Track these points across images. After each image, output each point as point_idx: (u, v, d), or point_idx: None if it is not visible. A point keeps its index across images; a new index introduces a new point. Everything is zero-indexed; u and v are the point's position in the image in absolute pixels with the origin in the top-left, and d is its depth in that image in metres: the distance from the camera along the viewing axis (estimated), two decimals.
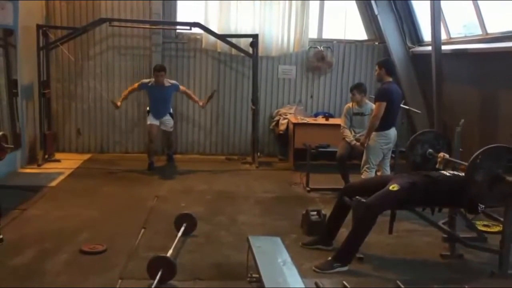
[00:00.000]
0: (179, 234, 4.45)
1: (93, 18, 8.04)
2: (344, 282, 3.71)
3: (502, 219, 4.14)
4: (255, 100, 8.24)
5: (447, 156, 4.64)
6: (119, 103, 7.50)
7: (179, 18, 8.74)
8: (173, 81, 7.80)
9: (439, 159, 4.64)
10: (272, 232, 4.75)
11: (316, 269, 4.03)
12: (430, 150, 4.82)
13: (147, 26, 8.31)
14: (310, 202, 6.05)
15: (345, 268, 4.02)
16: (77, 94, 8.56)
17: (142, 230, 4.88)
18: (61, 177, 6.89)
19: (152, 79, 7.55)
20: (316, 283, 3.66)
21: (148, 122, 7.66)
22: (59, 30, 8.05)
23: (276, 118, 8.66)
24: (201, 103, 7.72)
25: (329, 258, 4.09)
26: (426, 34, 8.48)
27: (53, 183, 6.57)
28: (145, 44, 8.51)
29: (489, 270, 4.05)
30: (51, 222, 5.03)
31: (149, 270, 3.63)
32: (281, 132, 8.37)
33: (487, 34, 6.93)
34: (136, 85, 7.67)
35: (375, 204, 3.99)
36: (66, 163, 7.73)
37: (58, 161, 7.86)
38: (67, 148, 8.65)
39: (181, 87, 7.82)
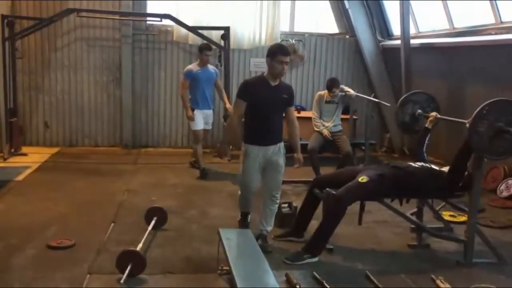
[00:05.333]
0: (150, 228, 4.41)
1: (60, 8, 7.86)
2: (314, 273, 3.75)
3: (467, 209, 4.25)
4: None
5: (439, 115, 4.72)
6: (190, 113, 6.72)
7: (150, 10, 8.62)
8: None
9: (430, 118, 4.70)
10: None
11: (287, 260, 4.05)
12: (420, 111, 4.90)
13: (117, 17, 8.17)
14: (282, 194, 6.05)
15: (315, 259, 4.06)
16: (45, 86, 8.37)
17: (112, 224, 4.81)
18: (28, 171, 6.74)
19: (195, 64, 6.90)
20: (286, 275, 3.68)
21: (198, 128, 6.81)
22: (25, 21, 7.85)
23: None
24: (228, 106, 7.01)
25: (300, 249, 4.13)
26: (396, 28, 8.60)
27: (20, 177, 6.42)
28: (115, 35, 8.38)
29: (455, 259, 4.16)
30: (17, 217, 4.91)
31: (118, 265, 3.58)
32: None
33: (453, 28, 7.08)
34: (183, 80, 6.83)
35: (344, 196, 4.04)
36: (33, 157, 7.56)
37: (25, 154, 7.69)
38: (34, 142, 8.46)
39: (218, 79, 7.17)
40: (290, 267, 3.91)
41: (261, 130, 4.28)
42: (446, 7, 7.10)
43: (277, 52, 4.14)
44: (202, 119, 6.84)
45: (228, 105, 7.00)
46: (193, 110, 6.76)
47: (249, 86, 4.27)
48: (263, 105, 4.22)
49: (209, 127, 7.15)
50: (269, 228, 4.41)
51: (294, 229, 4.59)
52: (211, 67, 6.98)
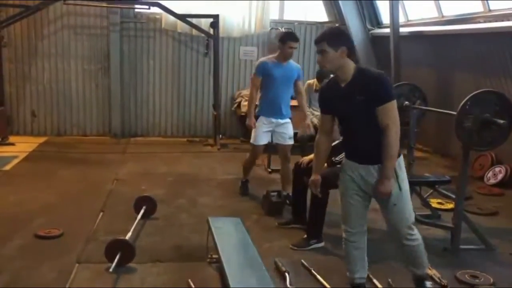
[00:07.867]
0: (139, 217, 4.40)
1: None
2: (303, 261, 3.77)
3: (454, 196, 4.28)
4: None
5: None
6: (251, 120, 5.17)
7: None
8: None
9: None
10: (233, 213, 4.75)
11: (294, 247, 4.09)
12: (406, 102, 4.87)
13: (104, 4, 8.05)
14: (271, 183, 6.09)
15: (322, 244, 4.11)
16: (31, 75, 8.27)
17: (101, 213, 4.79)
18: (16, 161, 6.68)
19: (271, 57, 5.16)
20: (275, 262, 3.70)
21: (258, 142, 5.20)
22: (11, 8, 7.72)
23: (238, 100, 8.63)
24: (307, 122, 5.31)
25: (305, 236, 4.17)
26: (385, 16, 8.59)
27: (7, 167, 6.36)
28: (102, 23, 8.28)
29: (442, 245, 4.20)
30: (4, 207, 4.87)
31: (107, 254, 3.58)
32: (243, 113, 8.34)
33: (442, 16, 7.09)
34: (253, 76, 5.27)
35: (324, 180, 3.99)
36: (20, 147, 7.49)
37: (12, 144, 7.61)
38: (21, 131, 8.38)
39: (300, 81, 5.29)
40: (278, 255, 3.92)
41: (350, 146, 3.21)
42: None
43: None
44: (265, 131, 5.18)
45: (308, 121, 5.34)
46: (257, 117, 5.18)
47: (324, 93, 3.25)
48: (340, 115, 3.17)
49: (285, 141, 5.21)
50: (422, 271, 3.30)
51: (293, 215, 4.60)
52: (294, 64, 5.17)
